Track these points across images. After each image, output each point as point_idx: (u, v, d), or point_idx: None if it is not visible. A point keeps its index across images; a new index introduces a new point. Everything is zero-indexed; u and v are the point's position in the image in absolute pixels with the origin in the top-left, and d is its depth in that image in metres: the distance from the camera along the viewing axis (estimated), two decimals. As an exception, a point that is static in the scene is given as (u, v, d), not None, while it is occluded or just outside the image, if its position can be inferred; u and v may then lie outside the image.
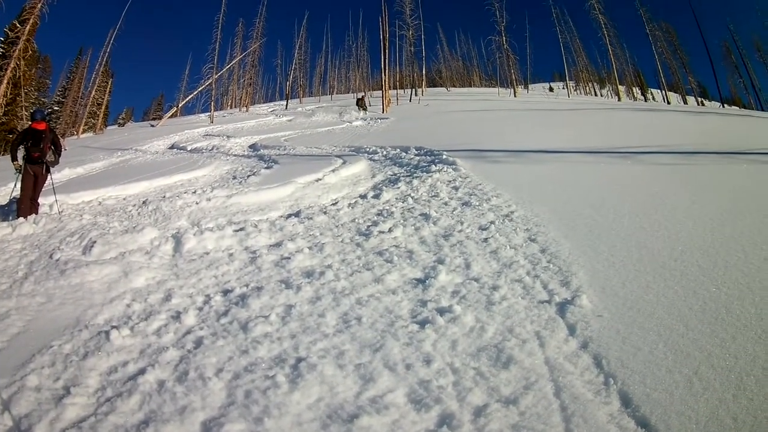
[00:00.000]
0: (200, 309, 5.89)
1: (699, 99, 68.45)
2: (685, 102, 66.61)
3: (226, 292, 6.31)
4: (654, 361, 4.06)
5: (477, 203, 9.12)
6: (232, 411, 3.87)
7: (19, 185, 11.43)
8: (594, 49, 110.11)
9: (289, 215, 9.88)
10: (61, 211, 11.32)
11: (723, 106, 56.02)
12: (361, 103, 41.47)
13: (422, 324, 5.06)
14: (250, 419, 3.76)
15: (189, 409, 3.93)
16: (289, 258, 7.27)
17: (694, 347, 4.17)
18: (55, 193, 11.82)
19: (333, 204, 10.51)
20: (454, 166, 12.40)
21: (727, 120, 22.16)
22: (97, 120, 57.71)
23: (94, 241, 8.25)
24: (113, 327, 5.43)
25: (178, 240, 8.37)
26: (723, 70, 76.14)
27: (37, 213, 11.08)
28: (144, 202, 11.54)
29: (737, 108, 61.16)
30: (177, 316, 5.67)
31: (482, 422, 3.59)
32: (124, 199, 12.91)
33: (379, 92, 48.36)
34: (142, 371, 4.53)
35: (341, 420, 3.73)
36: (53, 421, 3.88)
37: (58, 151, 12.08)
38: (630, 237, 6.72)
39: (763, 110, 57.79)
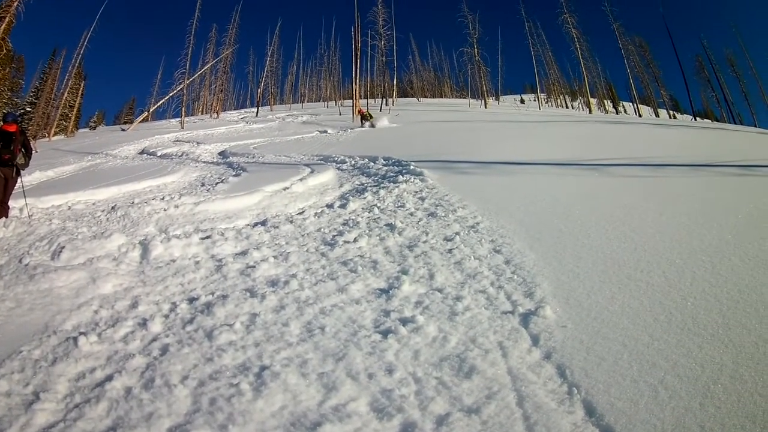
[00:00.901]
0: (166, 316, 5.92)
1: (671, 112, 69.12)
2: (657, 115, 67.12)
3: (191, 300, 6.35)
4: (618, 370, 4.13)
5: (443, 214, 9.18)
6: (197, 418, 3.93)
7: (-11, 188, 11.30)
8: (566, 62, 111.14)
9: (256, 224, 9.93)
10: (31, 215, 11.23)
11: (695, 119, 56.57)
12: (367, 117, 36.61)
13: (385, 334, 5.13)
14: (215, 426, 3.82)
15: (155, 416, 3.97)
16: (255, 267, 7.31)
17: (659, 357, 4.25)
18: (25, 197, 11.72)
19: (299, 213, 10.53)
20: (421, 177, 12.46)
21: (697, 132, 22.37)
22: (69, 122, 57.13)
23: (63, 247, 8.24)
24: (81, 333, 5.45)
25: (145, 247, 8.39)
26: (696, 84, 77.11)
27: (7, 216, 11.00)
28: (113, 208, 11.49)
29: (709, 121, 61.88)
30: (143, 323, 5.70)
31: (445, 431, 3.66)
32: (93, 204, 12.78)
33: (350, 101, 48.02)
34: (109, 378, 4.57)
35: (304, 428, 3.79)
36: (24, 427, 3.92)
37: (28, 153, 11.99)
38: (596, 248, 6.82)
39: (735, 123, 58.50)
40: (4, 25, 38.77)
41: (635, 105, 63.44)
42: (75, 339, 5.30)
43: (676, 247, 6.58)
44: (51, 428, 3.89)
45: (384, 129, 28.65)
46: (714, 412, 3.54)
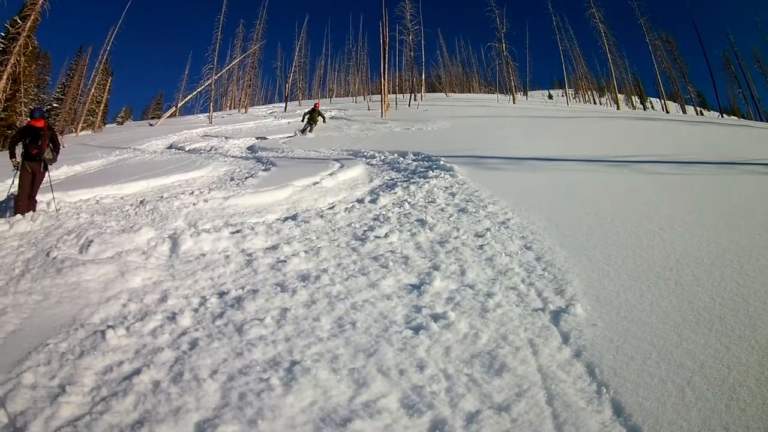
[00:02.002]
0: (196, 310, 5.90)
1: (698, 108, 68.36)
2: (684, 111, 66.51)
3: (221, 294, 6.33)
4: (647, 370, 4.07)
5: (473, 210, 9.12)
6: (226, 412, 3.89)
7: (16, 182, 11.50)
8: (594, 58, 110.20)
9: (286, 218, 9.91)
10: (59, 209, 11.32)
11: (722, 116, 55.99)
12: (311, 119, 30.48)
13: (416, 330, 5.08)
14: (244, 421, 3.78)
15: (183, 410, 3.95)
16: (285, 261, 7.28)
17: (687, 357, 4.19)
18: (52, 191, 11.80)
19: (330, 208, 10.51)
20: (451, 172, 12.37)
21: (725, 130, 22.14)
22: (96, 118, 57.67)
23: (91, 240, 8.25)
24: (109, 326, 5.46)
25: (174, 241, 8.37)
26: (722, 80, 76.12)
27: (34, 210, 11.11)
28: (141, 202, 11.53)
29: (736, 118, 61.16)
30: (173, 317, 5.69)
31: (474, 428, 3.61)
32: (121, 198, 12.89)
33: (379, 96, 47.83)
34: (137, 371, 4.55)
35: (334, 423, 3.75)
36: (48, 419, 3.90)
37: (56, 148, 12.07)
38: (625, 246, 6.73)
39: (761, 120, 57.76)
40: (29, 23, 39.17)
41: (662, 101, 62.93)
42: (103, 332, 5.30)
43: (705, 246, 6.51)
44: (77, 421, 3.87)
45: (413, 123, 28.39)
46: (739, 415, 3.50)
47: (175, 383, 4.35)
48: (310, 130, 30.02)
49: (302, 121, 30.93)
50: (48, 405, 4.07)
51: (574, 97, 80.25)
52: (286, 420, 3.81)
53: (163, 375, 4.50)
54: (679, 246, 6.56)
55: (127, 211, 10.95)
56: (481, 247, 7.30)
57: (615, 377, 4.04)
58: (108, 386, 4.36)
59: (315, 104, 32.84)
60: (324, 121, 32.27)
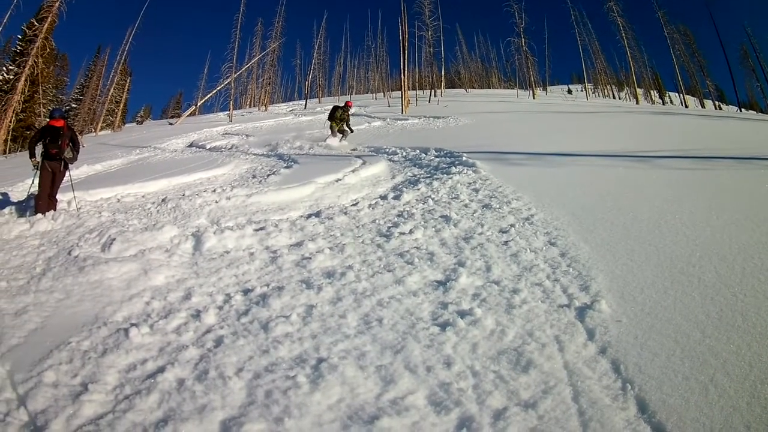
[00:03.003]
0: (220, 308, 5.90)
1: (716, 103, 67.89)
2: (703, 105, 66.05)
3: (246, 292, 6.33)
4: (671, 367, 4.08)
5: (497, 206, 9.10)
6: (252, 411, 3.89)
7: (37, 181, 11.53)
8: (612, 52, 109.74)
9: (310, 215, 9.92)
10: (80, 208, 11.34)
11: (740, 110, 55.61)
12: (338, 118, 23.42)
13: (443, 326, 5.07)
14: (270, 419, 3.77)
15: (208, 408, 3.95)
16: (310, 258, 7.28)
17: (710, 354, 4.19)
18: (73, 190, 11.85)
19: (353, 204, 10.53)
20: (474, 168, 12.34)
21: (744, 124, 22.02)
22: (115, 117, 58.12)
23: (114, 239, 8.26)
24: (132, 324, 5.46)
25: (198, 238, 8.39)
26: (741, 74, 75.66)
27: (55, 209, 11.13)
28: (163, 200, 11.55)
29: (754, 112, 60.71)
30: (197, 315, 5.69)
31: (501, 425, 3.62)
32: (143, 196, 12.92)
33: (398, 92, 47.83)
34: (161, 369, 4.55)
35: (362, 421, 3.74)
36: (70, 418, 3.90)
37: (76, 148, 12.10)
38: (648, 242, 6.72)
39: (780, 114, 57.32)
40: (46, 25, 39.57)
41: (681, 95, 62.59)
42: (126, 330, 5.30)
43: (727, 241, 6.47)
44: (99, 420, 3.87)
45: (434, 120, 28.32)
46: (760, 413, 3.51)
47: (200, 381, 4.34)
48: (342, 137, 22.91)
49: (328, 123, 23.87)
50: (70, 403, 4.07)
51: (594, 92, 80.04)
52: (312, 418, 3.80)
53: (187, 373, 4.50)
54: (701, 242, 6.55)
55: (149, 209, 10.98)
56: (505, 243, 7.28)
57: (640, 374, 4.06)
58: (131, 384, 4.35)
59: (347, 102, 24.34)
60: (346, 126, 23.20)
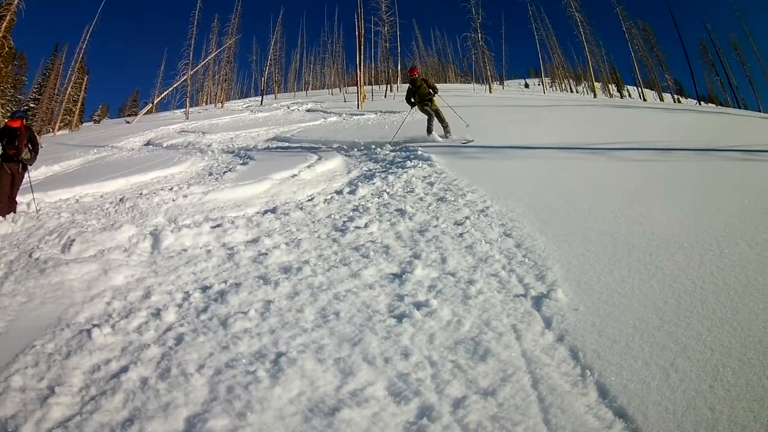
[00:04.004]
0: (180, 306, 5.90)
1: (675, 96, 68.61)
2: (662, 99, 66.62)
3: (204, 289, 6.33)
4: (630, 353, 4.12)
5: (452, 199, 9.16)
6: (215, 406, 3.90)
7: (-5, 184, 11.27)
8: (570, 47, 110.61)
9: (266, 211, 9.94)
10: (39, 210, 11.21)
11: (699, 104, 56.32)
12: (422, 99, 17.51)
13: (400, 318, 5.10)
14: (233, 414, 3.79)
15: (173, 406, 3.94)
16: (267, 254, 7.30)
17: (669, 340, 4.23)
18: (32, 191, 11.68)
19: (309, 200, 10.54)
20: (429, 162, 12.40)
21: (702, 117, 22.31)
22: (73, 117, 57.27)
23: (73, 240, 8.20)
24: (95, 325, 5.42)
25: (156, 237, 8.36)
26: (700, 69, 76.38)
27: (15, 212, 10.98)
28: (121, 200, 11.46)
29: (713, 105, 61.56)
30: (157, 314, 5.67)
31: (461, 414, 3.64)
32: (101, 196, 12.77)
33: (355, 88, 47.68)
34: (124, 369, 4.54)
35: (322, 413, 3.76)
36: (39, 422, 3.88)
37: (35, 148, 11.94)
38: (605, 232, 6.80)
39: (739, 107, 58.14)
40: (5, 24, 38.73)
41: (639, 89, 63.16)
42: (89, 331, 5.26)
43: (684, 231, 6.58)
44: (67, 422, 3.85)
45: (390, 114, 28.24)
46: (723, 395, 3.54)
47: (162, 379, 4.34)
48: (445, 133, 17.07)
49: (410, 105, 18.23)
50: (38, 407, 4.04)
51: (551, 86, 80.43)
52: (274, 412, 3.82)
53: (150, 371, 4.49)
54: (659, 231, 6.63)
55: (107, 209, 10.88)
56: (461, 235, 7.33)
57: (599, 360, 4.08)
58: (96, 385, 4.34)
59: (412, 71, 18.23)
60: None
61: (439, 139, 16.76)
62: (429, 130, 17.39)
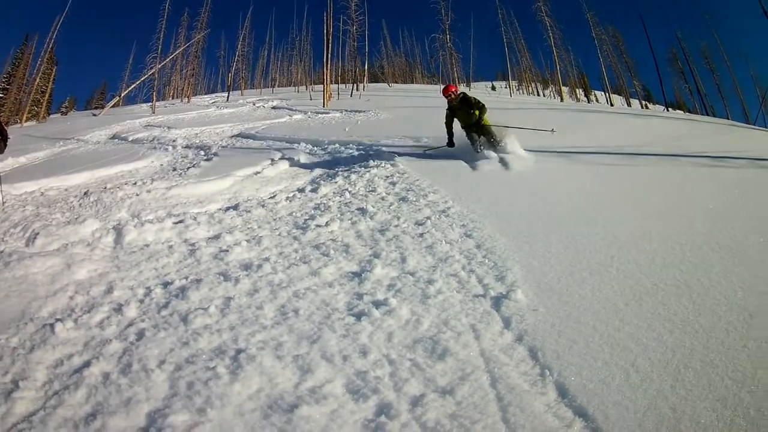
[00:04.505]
0: (141, 301, 5.90)
1: (643, 102, 68.99)
2: (629, 104, 66.94)
3: (166, 285, 6.33)
4: (590, 353, 4.19)
5: (414, 199, 9.22)
6: (175, 402, 3.92)
7: (-38, 176, 11.11)
8: (539, 51, 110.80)
9: (228, 208, 9.95)
10: (5, 202, 11.05)
11: (667, 110, 56.77)
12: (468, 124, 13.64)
13: (358, 316, 5.16)
14: (194, 409, 3.82)
15: (134, 401, 3.96)
16: (228, 251, 7.32)
17: (630, 341, 4.32)
18: (0, 183, 11.57)
19: (271, 197, 10.55)
20: (392, 162, 12.43)
21: (669, 123, 22.45)
22: (41, 108, 56.45)
23: (37, 233, 8.14)
24: (58, 320, 5.41)
25: (119, 232, 8.32)
26: (669, 76, 76.81)
27: (-15, 202, 10.84)
28: (85, 193, 11.35)
29: (681, 112, 62.01)
30: (119, 309, 5.67)
31: (420, 411, 3.69)
32: (66, 189, 12.60)
33: (321, 86, 47.48)
34: (87, 364, 4.54)
35: (281, 410, 3.80)
36: (4, 416, 3.88)
37: (4, 138, 11.82)
38: (567, 234, 6.90)
39: (707, 114, 58.60)
40: (-26, 13, 38.17)
41: (607, 94, 63.49)
42: (52, 325, 5.25)
43: (647, 234, 6.68)
44: (32, 417, 3.86)
45: (355, 113, 28.19)
46: (685, 395, 3.60)
47: (124, 374, 4.36)
48: (487, 144, 13.48)
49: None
50: (3, 402, 4.04)
51: (518, 89, 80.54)
52: (234, 407, 3.86)
53: (112, 366, 4.50)
54: (621, 234, 6.75)
55: (72, 202, 10.77)
56: (421, 235, 7.41)
57: (558, 360, 4.15)
58: (60, 380, 4.35)
59: (447, 90, 14.03)
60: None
61: (494, 154, 12.52)
62: (476, 149, 13.26)
